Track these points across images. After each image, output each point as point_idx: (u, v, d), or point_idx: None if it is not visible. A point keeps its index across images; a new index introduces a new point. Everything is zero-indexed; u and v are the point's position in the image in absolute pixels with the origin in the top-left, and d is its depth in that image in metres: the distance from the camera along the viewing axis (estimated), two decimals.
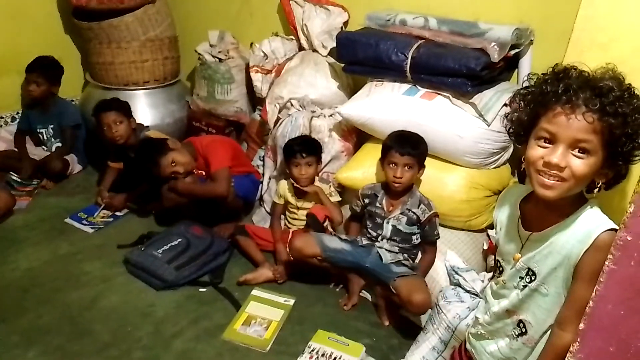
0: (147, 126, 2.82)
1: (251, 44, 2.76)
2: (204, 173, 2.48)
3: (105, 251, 2.30)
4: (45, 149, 3.06)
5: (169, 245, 2.16)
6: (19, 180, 2.80)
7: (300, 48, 2.72)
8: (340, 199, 2.25)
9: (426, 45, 2.04)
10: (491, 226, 1.98)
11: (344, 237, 2.05)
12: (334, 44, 2.33)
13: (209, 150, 2.43)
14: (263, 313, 1.93)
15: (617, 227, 0.93)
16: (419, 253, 1.99)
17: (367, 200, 2.00)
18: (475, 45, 1.94)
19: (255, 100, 2.94)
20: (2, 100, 3.11)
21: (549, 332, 1.09)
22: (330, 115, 2.41)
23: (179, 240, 2.19)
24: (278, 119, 2.54)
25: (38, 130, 3.03)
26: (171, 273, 2.06)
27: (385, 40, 2.09)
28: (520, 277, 1.11)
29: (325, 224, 2.14)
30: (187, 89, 3.31)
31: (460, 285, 1.64)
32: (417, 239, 1.95)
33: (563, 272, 1.03)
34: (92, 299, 1.99)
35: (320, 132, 2.36)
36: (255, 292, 2.05)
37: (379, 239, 1.96)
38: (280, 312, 1.94)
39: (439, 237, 1.93)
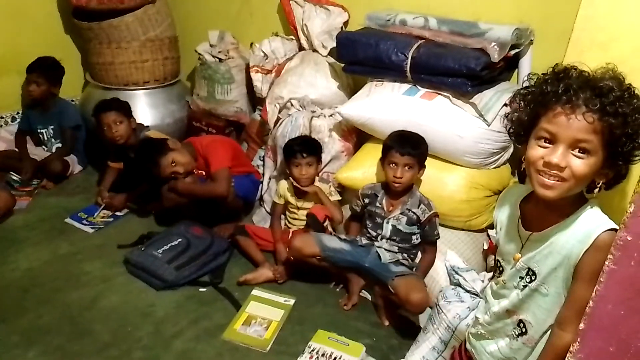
0: (147, 126, 2.82)
1: (251, 44, 2.76)
2: (204, 173, 2.48)
3: (105, 251, 2.30)
4: (46, 149, 3.06)
5: (169, 245, 2.16)
6: (19, 180, 2.81)
7: (300, 48, 2.72)
8: (340, 198, 2.25)
9: (426, 45, 2.04)
10: (491, 226, 1.98)
11: (343, 236, 2.05)
12: (334, 44, 2.33)
13: (209, 150, 2.43)
14: (263, 313, 1.93)
15: (617, 227, 0.93)
16: (419, 253, 1.99)
17: (367, 200, 2.00)
18: (475, 45, 1.94)
19: (255, 100, 2.94)
20: (3, 100, 3.11)
21: (549, 332, 1.09)
22: (330, 115, 2.41)
23: (179, 240, 2.19)
24: (278, 119, 2.54)
25: (38, 131, 3.03)
26: (171, 273, 2.06)
27: (385, 40, 2.09)
28: (520, 277, 1.11)
29: (325, 224, 2.14)
30: (187, 89, 3.31)
31: (460, 285, 1.63)
32: (416, 239, 1.95)
33: (563, 272, 1.03)
34: (92, 299, 1.99)
35: (320, 132, 2.36)
36: (255, 292, 2.05)
37: (379, 238, 1.96)
38: (281, 312, 1.94)
39: (439, 237, 1.93)
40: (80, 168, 3.09)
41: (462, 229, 2.04)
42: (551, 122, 0.95)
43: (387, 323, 1.92)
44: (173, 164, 2.30)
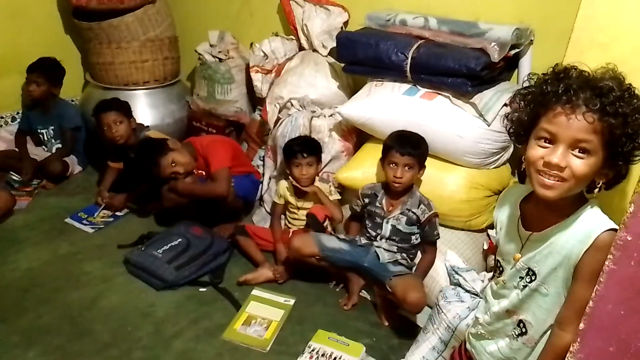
0: (147, 126, 2.82)
1: (251, 44, 2.76)
2: (204, 173, 2.48)
3: (105, 251, 2.30)
4: (46, 149, 3.06)
5: (169, 245, 2.16)
6: (20, 180, 2.81)
7: (300, 48, 2.72)
8: (340, 197, 2.25)
9: (426, 45, 2.04)
10: (491, 226, 1.98)
11: (342, 236, 2.05)
12: (334, 44, 2.33)
13: (209, 150, 2.43)
14: (263, 313, 1.93)
15: (617, 227, 0.93)
16: (418, 253, 1.99)
17: (367, 200, 2.00)
18: (475, 45, 1.94)
19: (255, 100, 2.94)
20: (3, 100, 3.11)
21: (549, 332, 1.09)
22: (330, 115, 2.41)
23: (179, 240, 2.19)
24: (278, 119, 2.54)
25: (38, 131, 3.03)
26: (171, 273, 2.06)
27: (385, 40, 2.09)
28: (520, 277, 1.11)
29: (325, 224, 2.15)
30: (187, 89, 3.31)
31: (460, 285, 1.64)
32: (416, 239, 1.95)
33: (563, 272, 1.03)
34: (92, 299, 1.99)
35: (320, 132, 2.36)
36: (255, 292, 2.05)
37: (378, 238, 1.96)
38: (281, 312, 1.94)
39: (439, 237, 1.93)
40: (80, 168, 3.09)
41: (462, 229, 2.04)
42: (551, 122, 0.95)
43: (386, 323, 1.92)
44: (173, 164, 2.30)
